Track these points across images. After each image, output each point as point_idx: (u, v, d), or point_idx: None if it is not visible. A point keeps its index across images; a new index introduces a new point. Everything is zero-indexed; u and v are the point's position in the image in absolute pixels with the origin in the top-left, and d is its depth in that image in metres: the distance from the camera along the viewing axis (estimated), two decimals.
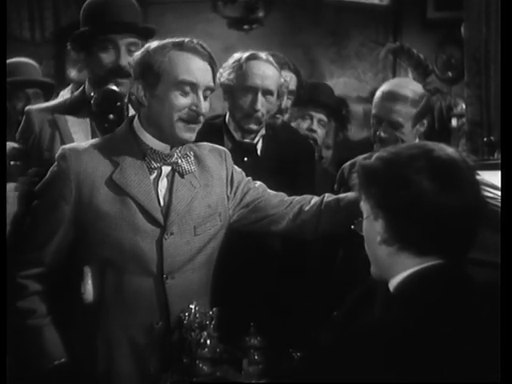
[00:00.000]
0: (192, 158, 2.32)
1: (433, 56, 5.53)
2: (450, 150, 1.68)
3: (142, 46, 2.45)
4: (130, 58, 2.55)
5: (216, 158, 2.43)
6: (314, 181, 3.02)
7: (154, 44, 2.26)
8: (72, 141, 2.58)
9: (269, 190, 2.48)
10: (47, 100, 3.41)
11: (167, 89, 2.21)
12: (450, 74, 5.51)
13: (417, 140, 2.87)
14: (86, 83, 2.72)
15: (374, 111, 2.87)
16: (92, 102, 2.61)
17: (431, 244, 1.65)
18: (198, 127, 2.27)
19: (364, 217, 1.74)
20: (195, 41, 2.26)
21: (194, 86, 2.22)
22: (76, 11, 5.98)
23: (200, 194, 2.34)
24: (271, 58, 2.91)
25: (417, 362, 1.56)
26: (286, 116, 3.46)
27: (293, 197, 2.47)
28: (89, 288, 2.26)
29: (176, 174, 2.31)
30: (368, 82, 5.64)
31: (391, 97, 2.83)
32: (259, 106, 2.84)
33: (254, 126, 2.87)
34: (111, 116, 2.60)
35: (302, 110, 3.64)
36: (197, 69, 2.22)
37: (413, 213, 1.63)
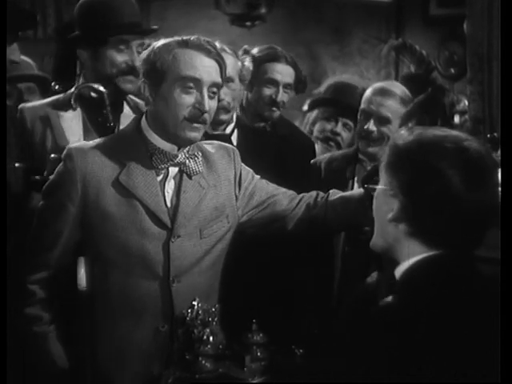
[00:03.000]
0: (200, 159, 2.28)
1: (435, 53, 5.52)
2: (479, 146, 1.68)
3: (147, 46, 2.48)
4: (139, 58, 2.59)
5: (224, 157, 2.39)
6: (306, 177, 3.00)
7: (159, 42, 2.23)
8: (64, 136, 2.62)
9: (280, 189, 2.45)
10: (43, 94, 3.42)
11: (171, 87, 2.18)
12: (452, 70, 5.51)
13: None
14: (82, 79, 2.73)
15: (362, 106, 2.91)
16: (75, 96, 2.65)
17: (442, 236, 1.65)
18: (203, 127, 2.23)
19: (382, 185, 1.73)
20: (202, 38, 2.23)
21: (197, 83, 2.18)
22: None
23: (208, 194, 2.30)
24: (225, 46, 2.89)
25: (416, 353, 1.56)
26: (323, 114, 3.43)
27: (302, 194, 2.45)
28: (81, 276, 2.24)
29: (184, 175, 2.27)
30: (371, 78, 5.63)
31: (382, 92, 2.89)
32: (222, 95, 2.79)
33: (223, 116, 2.86)
34: (105, 111, 2.62)
35: (327, 111, 3.60)
36: (201, 65, 2.18)
37: (434, 204, 1.63)
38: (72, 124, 2.66)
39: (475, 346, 1.58)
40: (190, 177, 2.28)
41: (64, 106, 2.69)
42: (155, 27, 2.80)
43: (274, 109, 3.29)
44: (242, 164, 2.43)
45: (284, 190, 2.46)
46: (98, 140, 2.37)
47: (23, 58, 3.92)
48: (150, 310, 2.25)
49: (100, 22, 2.65)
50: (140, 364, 2.26)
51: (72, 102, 2.66)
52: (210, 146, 2.40)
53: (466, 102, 3.85)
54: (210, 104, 2.21)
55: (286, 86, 3.30)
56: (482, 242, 1.69)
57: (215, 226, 2.31)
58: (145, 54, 2.25)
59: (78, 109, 2.68)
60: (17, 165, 2.50)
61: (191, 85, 2.18)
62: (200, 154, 2.29)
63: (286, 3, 5.66)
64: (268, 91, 3.28)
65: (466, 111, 3.96)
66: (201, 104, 2.18)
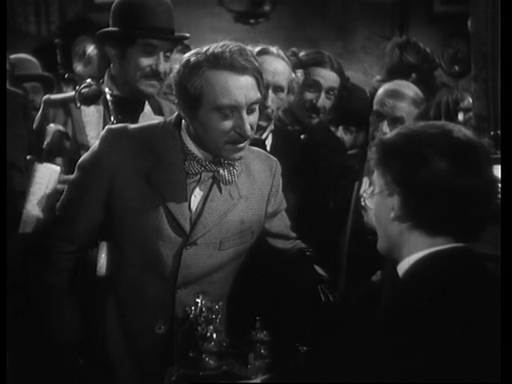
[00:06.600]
0: (236, 169, 2.19)
1: (439, 50, 5.52)
2: (467, 132, 1.69)
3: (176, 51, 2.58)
4: (166, 65, 2.61)
5: (265, 171, 2.31)
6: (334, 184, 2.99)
7: (190, 60, 2.09)
8: (83, 130, 2.65)
9: (287, 235, 2.46)
10: (48, 94, 3.45)
11: (208, 113, 2.07)
12: (456, 68, 5.50)
13: None
14: (106, 78, 2.75)
15: (375, 107, 2.88)
16: (78, 95, 2.70)
17: (444, 224, 1.65)
18: (247, 143, 2.14)
19: (376, 191, 1.73)
20: (233, 50, 2.08)
21: (234, 108, 2.07)
22: (82, 6, 6.01)
23: (237, 206, 2.23)
24: (282, 53, 2.85)
25: (417, 353, 1.55)
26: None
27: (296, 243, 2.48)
28: (102, 262, 2.25)
29: (215, 182, 2.20)
30: (374, 76, 5.63)
31: (394, 94, 2.86)
32: (269, 102, 2.78)
33: (263, 123, 2.79)
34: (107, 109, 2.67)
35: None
36: (236, 88, 2.05)
37: (429, 191, 1.62)
38: (93, 119, 2.69)
39: (475, 345, 1.57)
40: (220, 185, 2.21)
41: (87, 100, 2.70)
42: (187, 35, 2.76)
43: (314, 115, 3.21)
44: (280, 183, 2.37)
45: (289, 236, 2.47)
46: (139, 125, 2.32)
47: (29, 57, 3.96)
48: (151, 309, 2.25)
49: (132, 23, 2.64)
50: (137, 358, 2.28)
51: (76, 101, 2.68)
52: (254, 154, 2.31)
53: (471, 100, 3.84)
54: (251, 119, 2.11)
55: (329, 90, 3.21)
56: (484, 228, 1.69)
57: (238, 239, 2.26)
58: (176, 74, 2.12)
59: (101, 105, 2.71)
60: (28, 157, 2.51)
61: (228, 111, 2.07)
62: (237, 164, 2.20)
63: (290, 0, 5.66)
64: (309, 95, 3.19)
65: (470, 109, 3.95)
66: (241, 129, 2.08)
